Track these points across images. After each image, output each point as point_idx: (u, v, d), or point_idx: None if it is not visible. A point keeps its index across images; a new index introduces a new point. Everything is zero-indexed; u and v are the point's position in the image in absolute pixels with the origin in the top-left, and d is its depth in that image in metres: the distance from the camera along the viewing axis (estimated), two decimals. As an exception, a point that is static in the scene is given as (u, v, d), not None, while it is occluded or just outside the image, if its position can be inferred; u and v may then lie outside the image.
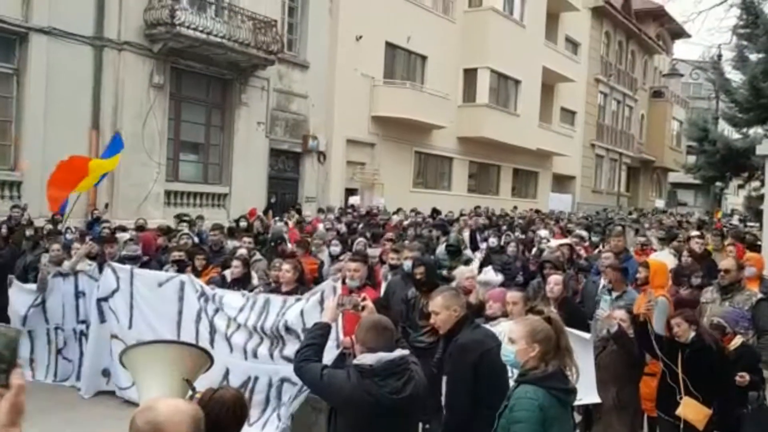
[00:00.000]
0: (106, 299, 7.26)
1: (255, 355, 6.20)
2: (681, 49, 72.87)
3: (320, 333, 3.71)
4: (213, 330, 6.45)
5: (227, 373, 6.15)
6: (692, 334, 4.98)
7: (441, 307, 4.05)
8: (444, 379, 4.24)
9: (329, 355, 3.95)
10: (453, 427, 4.01)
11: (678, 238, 10.59)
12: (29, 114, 13.74)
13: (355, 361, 3.43)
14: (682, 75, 29.13)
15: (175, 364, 2.55)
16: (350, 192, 21.29)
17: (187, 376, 2.55)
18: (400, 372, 3.36)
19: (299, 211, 17.32)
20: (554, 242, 10.58)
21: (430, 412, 6.27)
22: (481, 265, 9.00)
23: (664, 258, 8.98)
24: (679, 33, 46.07)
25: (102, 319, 7.33)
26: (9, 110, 13.86)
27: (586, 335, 5.16)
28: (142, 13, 15.16)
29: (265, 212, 16.21)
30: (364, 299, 3.87)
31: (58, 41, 14.08)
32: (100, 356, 7.35)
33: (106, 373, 7.35)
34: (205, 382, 2.89)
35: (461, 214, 19.98)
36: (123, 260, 7.99)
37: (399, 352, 3.41)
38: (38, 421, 5.68)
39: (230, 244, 10.35)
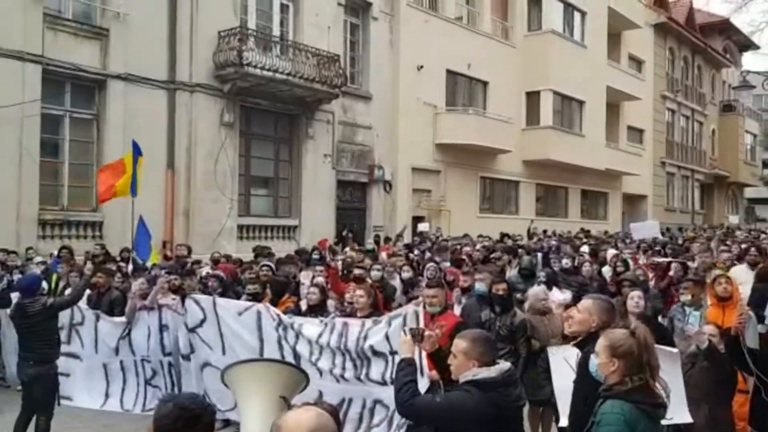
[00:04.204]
0: (194, 330, 7.44)
1: (345, 378, 6.23)
2: (750, 60, 70.58)
3: (411, 369, 3.72)
4: (297, 357, 6.50)
5: (321, 395, 6.13)
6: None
7: (585, 310, 4.05)
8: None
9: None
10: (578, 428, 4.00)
11: (751, 252, 10.22)
12: (109, 157, 14.29)
13: (476, 377, 3.44)
14: (753, 87, 28.00)
15: (274, 382, 2.65)
16: (417, 219, 21.34)
17: (284, 394, 2.63)
18: (515, 381, 3.48)
19: (377, 242, 17.41)
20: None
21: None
22: (547, 285, 8.79)
23: (741, 272, 8.68)
24: (746, 45, 44.76)
25: (192, 349, 7.49)
26: (90, 154, 14.57)
27: (674, 349, 5.02)
28: (212, 56, 15.76)
29: (337, 244, 16.38)
30: (423, 330, 3.93)
31: (134, 86, 14.76)
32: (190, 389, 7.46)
33: None
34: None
35: (529, 235, 19.78)
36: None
37: (506, 362, 3.51)
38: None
39: (304, 274, 10.49)
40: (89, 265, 10.01)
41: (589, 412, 3.46)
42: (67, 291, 8.59)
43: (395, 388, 3.71)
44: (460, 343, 3.56)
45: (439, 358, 4.03)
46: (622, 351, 3.16)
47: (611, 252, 12.77)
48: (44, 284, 7.11)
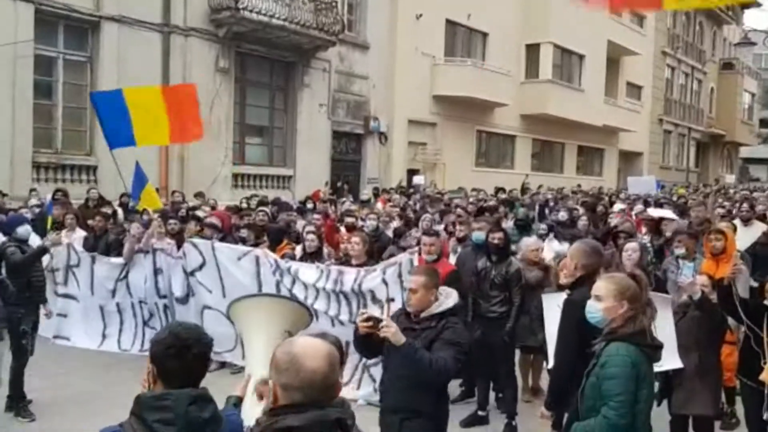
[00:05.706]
0: (193, 273, 7.46)
1: (340, 321, 6.30)
2: (752, 16, 69.90)
3: (419, 345, 3.58)
4: (295, 300, 6.58)
5: None
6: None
7: (569, 255, 4.15)
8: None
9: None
10: (560, 374, 4.05)
11: (742, 208, 10.31)
12: (102, 101, 14.19)
13: (450, 305, 3.78)
14: (754, 44, 27.94)
15: (279, 316, 2.67)
16: (412, 172, 21.30)
17: (290, 329, 2.65)
18: None
19: (376, 194, 17.34)
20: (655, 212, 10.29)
21: (503, 380, 6.30)
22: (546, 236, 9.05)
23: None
24: (749, 2, 44.15)
25: (191, 292, 7.53)
26: (83, 97, 14.36)
27: (666, 296, 5.11)
28: (207, -1, 15.47)
29: (332, 194, 16.37)
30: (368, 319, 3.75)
31: (128, 29, 14.50)
32: None
33: None
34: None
35: (523, 190, 19.79)
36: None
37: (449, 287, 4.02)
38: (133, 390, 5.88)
39: (300, 222, 10.51)
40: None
41: (578, 353, 3.53)
42: (63, 232, 8.59)
43: (423, 369, 3.53)
44: (417, 279, 3.79)
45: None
46: (631, 294, 3.24)
47: (618, 206, 12.82)
48: (29, 227, 6.76)
